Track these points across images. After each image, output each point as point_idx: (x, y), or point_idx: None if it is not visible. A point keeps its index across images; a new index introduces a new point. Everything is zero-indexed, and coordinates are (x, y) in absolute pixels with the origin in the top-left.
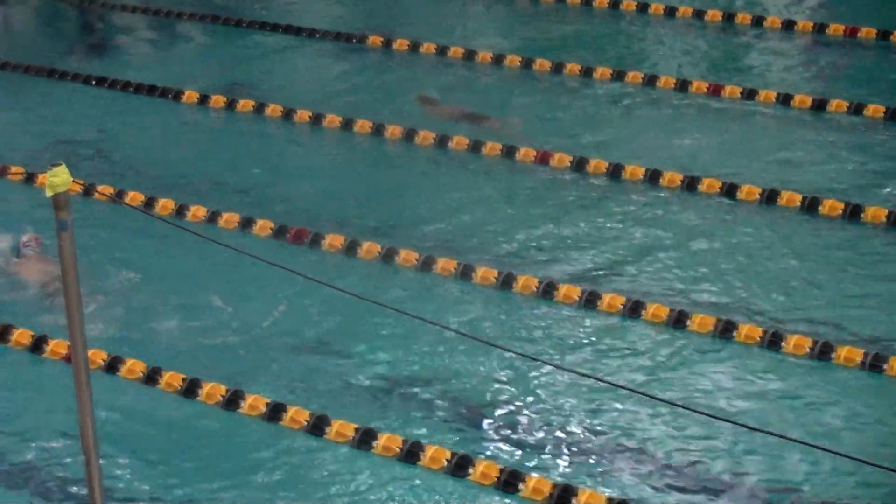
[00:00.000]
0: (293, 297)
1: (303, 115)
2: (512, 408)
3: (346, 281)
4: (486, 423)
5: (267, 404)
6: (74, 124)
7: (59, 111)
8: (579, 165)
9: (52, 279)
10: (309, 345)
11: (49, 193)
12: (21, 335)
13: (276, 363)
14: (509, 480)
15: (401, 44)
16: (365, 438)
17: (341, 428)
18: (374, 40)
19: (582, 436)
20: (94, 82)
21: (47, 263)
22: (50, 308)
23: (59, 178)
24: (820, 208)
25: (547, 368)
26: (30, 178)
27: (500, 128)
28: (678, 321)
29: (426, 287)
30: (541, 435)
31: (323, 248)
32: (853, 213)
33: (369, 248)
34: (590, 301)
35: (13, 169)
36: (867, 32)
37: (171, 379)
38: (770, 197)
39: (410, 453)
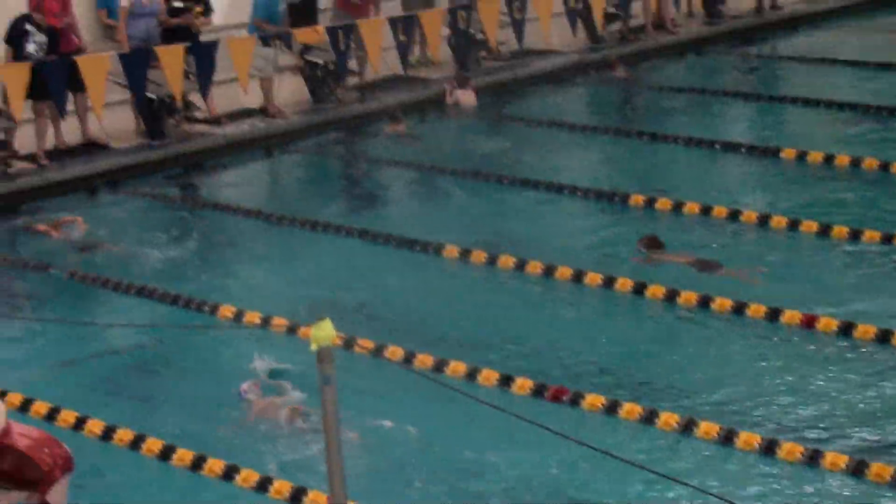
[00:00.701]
0: (550, 455)
1: (564, 271)
2: None
3: (607, 442)
4: None
5: None
6: (336, 276)
7: (322, 263)
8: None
9: (287, 414)
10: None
11: (313, 347)
12: (281, 485)
13: None
14: None
15: (664, 203)
16: None
17: None
18: (636, 199)
19: None
20: (356, 235)
21: (271, 403)
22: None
23: (323, 333)
24: None
25: None
26: (291, 329)
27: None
28: None
29: (689, 452)
30: None
31: (583, 406)
32: None
33: (630, 410)
34: None
35: (275, 320)
36: None
37: None
38: None
39: None
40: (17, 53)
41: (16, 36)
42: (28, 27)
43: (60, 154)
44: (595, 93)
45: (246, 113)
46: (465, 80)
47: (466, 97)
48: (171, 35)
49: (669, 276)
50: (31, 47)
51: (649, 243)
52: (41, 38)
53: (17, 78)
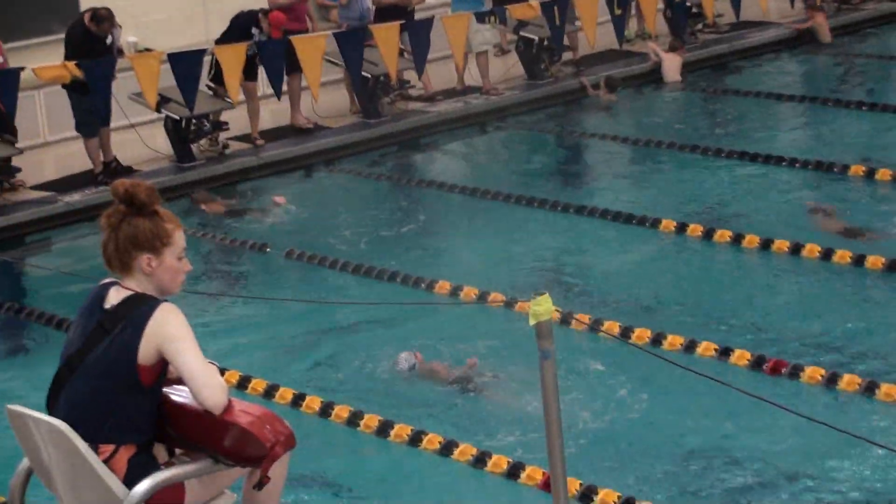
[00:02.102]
0: (772, 429)
1: (781, 244)
2: None
3: (825, 413)
4: None
5: None
6: (551, 252)
7: (536, 239)
8: None
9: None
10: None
11: (532, 322)
12: (498, 460)
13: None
14: None
15: (883, 174)
16: None
17: None
18: (857, 169)
19: None
20: (572, 210)
21: (435, 366)
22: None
23: (542, 307)
24: None
25: None
26: (509, 304)
27: None
28: None
29: None
30: None
31: (802, 380)
32: None
33: (849, 381)
34: None
35: (493, 295)
36: None
37: None
38: None
39: None
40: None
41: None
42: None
43: (275, 135)
44: (813, 63)
45: (460, 91)
46: (679, 47)
47: (671, 70)
48: (385, 13)
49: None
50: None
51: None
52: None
53: (233, 59)
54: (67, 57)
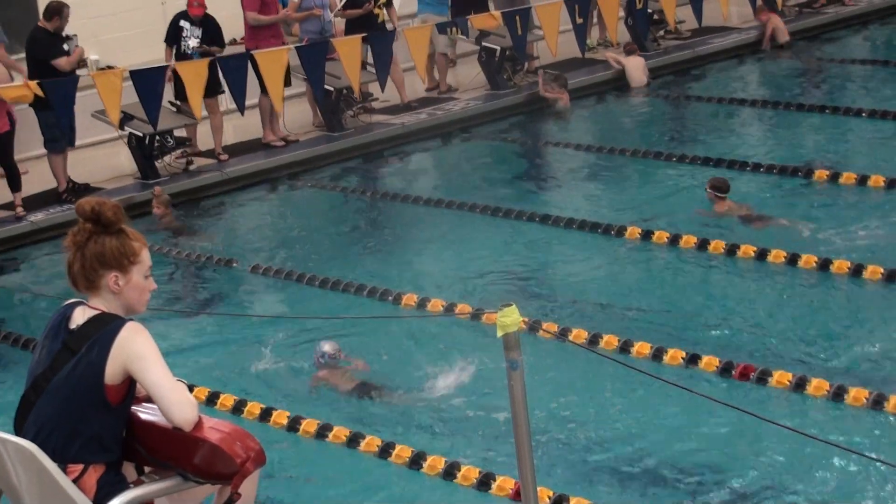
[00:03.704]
0: (742, 435)
1: (746, 249)
2: None
3: (795, 419)
4: None
5: None
6: (516, 261)
7: (502, 249)
8: None
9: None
10: (762, 482)
11: (500, 334)
12: (469, 471)
13: None
14: None
15: (848, 177)
16: None
17: None
18: (820, 174)
19: None
20: (537, 219)
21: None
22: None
23: (509, 319)
24: None
25: None
26: (476, 316)
27: None
28: None
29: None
30: None
31: (770, 384)
32: None
33: (818, 386)
34: None
35: (459, 307)
36: None
37: None
38: None
39: None
40: (177, 52)
41: (173, 34)
42: (182, 23)
43: (239, 149)
44: (774, 67)
45: (423, 101)
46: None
47: (636, 72)
48: (353, 26)
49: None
50: (190, 43)
51: (716, 185)
52: (196, 31)
53: (194, 75)
54: (30, 69)
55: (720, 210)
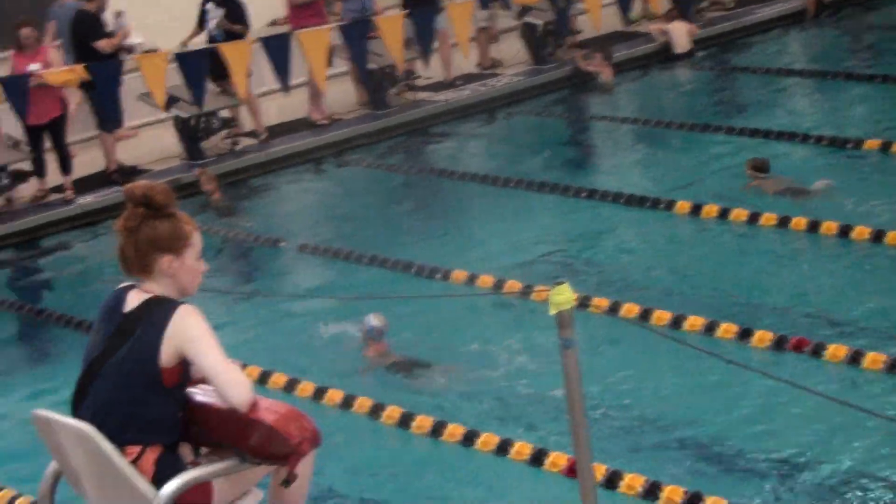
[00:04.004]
0: (796, 411)
1: (798, 222)
2: None
3: (849, 393)
4: None
5: None
6: (565, 237)
7: (550, 224)
8: None
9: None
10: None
11: (552, 311)
12: (522, 447)
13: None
14: None
15: None
16: None
17: None
18: (871, 144)
19: None
20: (584, 194)
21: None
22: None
23: (562, 297)
24: None
25: None
26: (525, 293)
27: None
28: None
29: None
30: None
31: (824, 358)
32: None
33: (874, 359)
34: None
35: (508, 284)
36: None
37: (672, 493)
38: None
39: None
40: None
41: (200, 17)
42: (207, 6)
43: (284, 129)
44: (820, 37)
45: (467, 78)
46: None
47: (680, 38)
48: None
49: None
50: (211, 24)
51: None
52: (217, 12)
53: (239, 55)
54: (74, 52)
55: (764, 189)
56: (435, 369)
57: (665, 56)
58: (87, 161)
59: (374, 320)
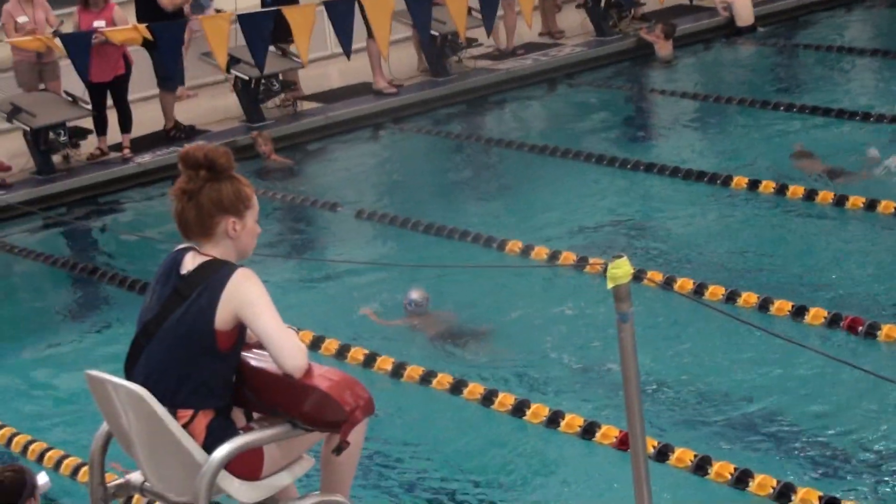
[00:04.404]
0: (850, 388)
1: (855, 200)
2: None
3: None
4: None
5: None
6: (622, 210)
7: (607, 197)
8: None
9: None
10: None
11: (610, 285)
12: (573, 419)
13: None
14: None
15: None
16: None
17: None
18: None
19: None
20: (643, 168)
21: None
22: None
23: (620, 270)
24: None
25: None
26: (579, 265)
27: None
28: None
29: None
30: None
31: (878, 338)
32: None
33: None
34: None
35: (564, 255)
36: None
37: (721, 469)
38: None
39: None
40: None
41: None
42: None
43: (343, 94)
44: (884, 15)
45: (528, 47)
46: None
47: (744, 10)
48: None
49: None
50: None
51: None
52: None
53: (302, 19)
54: (138, 9)
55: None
56: (484, 339)
57: (729, 30)
58: (146, 120)
59: (413, 294)
